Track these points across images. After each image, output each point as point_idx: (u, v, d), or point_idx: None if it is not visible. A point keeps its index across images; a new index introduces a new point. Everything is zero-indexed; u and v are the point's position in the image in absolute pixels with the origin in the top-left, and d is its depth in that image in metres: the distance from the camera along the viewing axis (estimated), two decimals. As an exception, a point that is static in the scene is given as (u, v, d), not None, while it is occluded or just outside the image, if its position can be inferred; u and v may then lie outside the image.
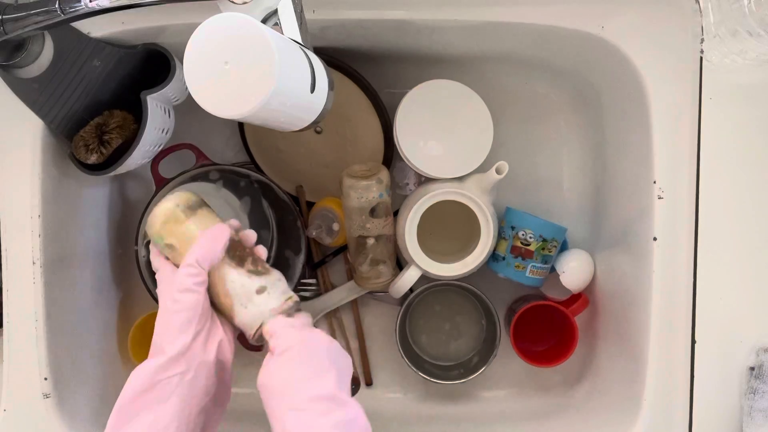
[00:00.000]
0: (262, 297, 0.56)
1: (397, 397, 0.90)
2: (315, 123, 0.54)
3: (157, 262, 0.59)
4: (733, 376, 0.68)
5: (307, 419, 0.49)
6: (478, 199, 0.77)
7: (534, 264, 0.80)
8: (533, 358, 0.83)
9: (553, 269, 0.82)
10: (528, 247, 0.79)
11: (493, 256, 0.82)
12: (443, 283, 0.85)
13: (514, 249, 0.80)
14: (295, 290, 0.81)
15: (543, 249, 0.79)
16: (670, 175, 0.69)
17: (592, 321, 0.84)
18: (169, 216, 0.58)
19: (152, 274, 0.80)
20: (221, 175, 0.80)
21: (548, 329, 0.88)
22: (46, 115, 0.71)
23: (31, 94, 0.69)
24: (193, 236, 0.56)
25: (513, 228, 0.80)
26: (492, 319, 0.84)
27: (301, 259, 0.83)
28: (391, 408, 0.89)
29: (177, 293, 0.53)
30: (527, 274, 0.80)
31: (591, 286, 0.83)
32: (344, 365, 0.55)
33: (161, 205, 0.58)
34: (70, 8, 0.57)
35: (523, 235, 0.79)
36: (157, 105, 0.72)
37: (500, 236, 0.81)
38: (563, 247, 0.83)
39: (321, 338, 0.55)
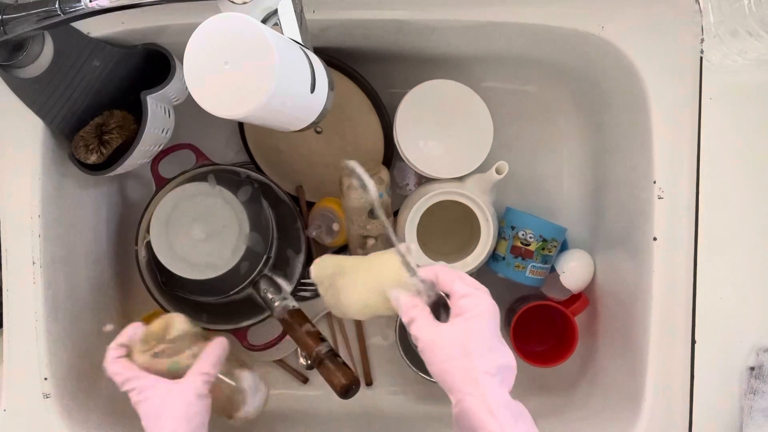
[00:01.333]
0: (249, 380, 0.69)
1: (397, 397, 0.89)
2: (315, 123, 0.54)
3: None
4: (733, 376, 0.68)
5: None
6: (478, 199, 0.77)
7: (534, 264, 0.80)
8: (533, 358, 0.82)
9: (553, 269, 0.82)
10: (528, 247, 0.79)
11: (493, 256, 0.82)
12: (443, 283, 0.85)
13: (514, 249, 0.80)
14: (295, 290, 0.82)
15: (543, 249, 0.79)
16: (670, 175, 0.69)
17: (592, 321, 0.84)
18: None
19: (152, 274, 0.81)
20: (221, 175, 0.80)
21: (548, 329, 0.87)
22: (46, 115, 0.71)
23: (31, 94, 0.69)
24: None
25: (513, 228, 0.80)
26: (492, 319, 0.84)
27: (301, 259, 0.83)
28: (391, 408, 0.89)
29: (192, 398, 0.60)
30: (527, 274, 0.80)
31: (591, 286, 0.83)
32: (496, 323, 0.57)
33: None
34: (70, 8, 0.57)
35: (523, 235, 0.79)
36: (157, 105, 0.72)
37: (500, 236, 0.81)
38: (563, 247, 0.83)
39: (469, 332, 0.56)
